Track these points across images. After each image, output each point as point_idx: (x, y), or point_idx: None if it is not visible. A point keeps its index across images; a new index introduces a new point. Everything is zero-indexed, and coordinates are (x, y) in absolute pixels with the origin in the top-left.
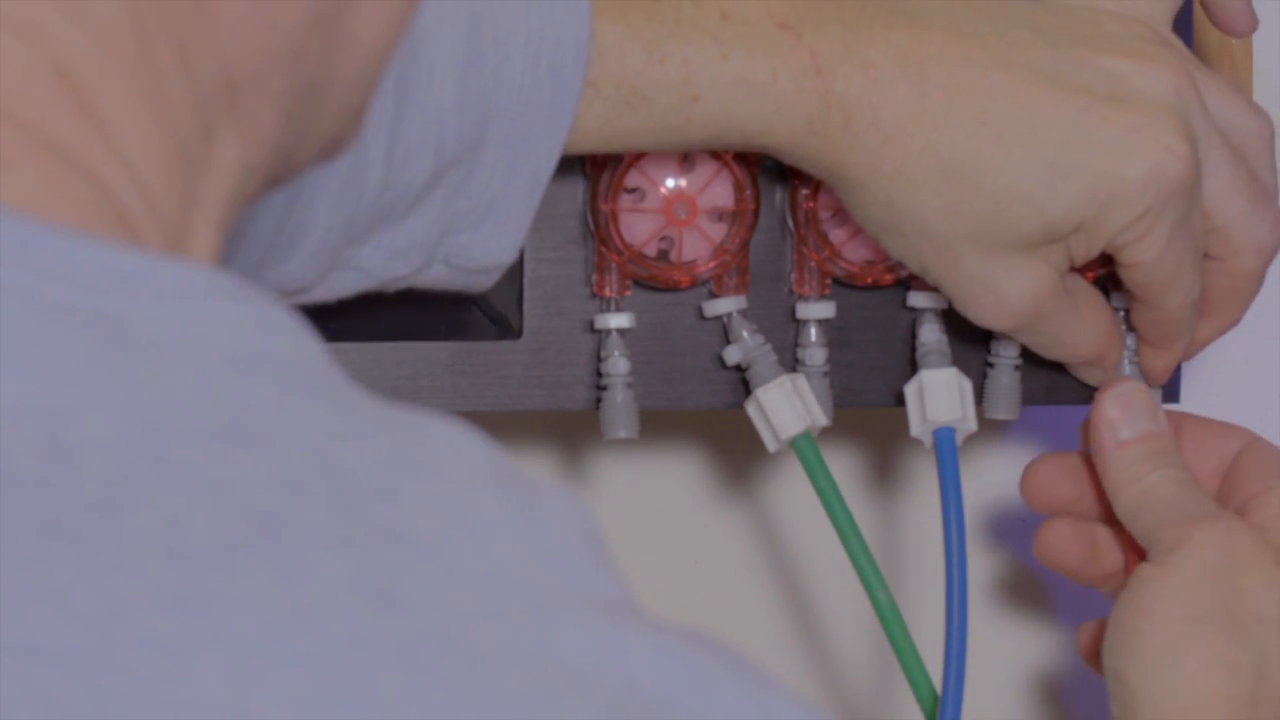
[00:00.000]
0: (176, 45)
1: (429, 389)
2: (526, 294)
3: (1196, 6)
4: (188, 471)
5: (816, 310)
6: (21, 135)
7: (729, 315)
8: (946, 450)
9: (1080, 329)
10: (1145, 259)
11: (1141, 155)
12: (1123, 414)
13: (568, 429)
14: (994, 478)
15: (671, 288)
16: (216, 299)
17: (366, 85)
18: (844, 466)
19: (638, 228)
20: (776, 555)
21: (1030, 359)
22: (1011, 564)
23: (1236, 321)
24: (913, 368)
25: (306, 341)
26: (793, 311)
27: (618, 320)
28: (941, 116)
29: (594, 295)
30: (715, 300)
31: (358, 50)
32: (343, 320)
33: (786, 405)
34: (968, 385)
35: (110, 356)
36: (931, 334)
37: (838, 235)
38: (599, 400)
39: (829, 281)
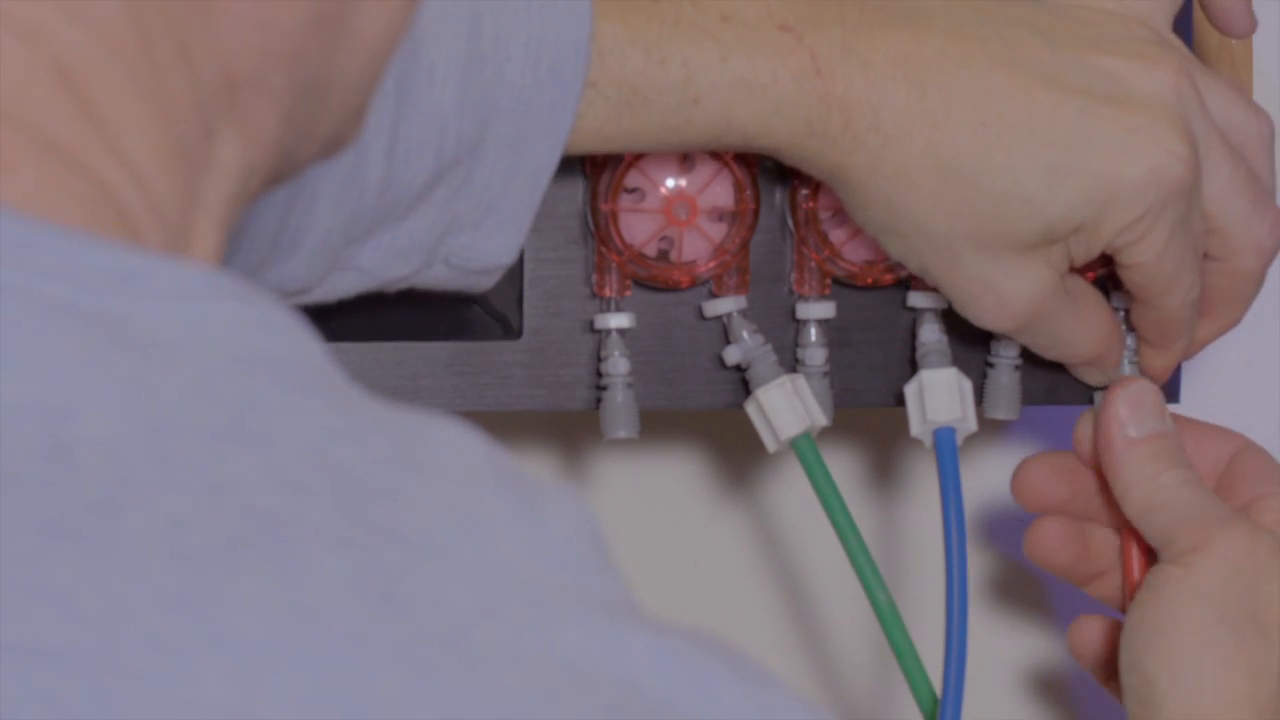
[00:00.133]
0: (177, 44)
1: (429, 389)
2: (526, 294)
3: (1196, 7)
4: (189, 471)
5: (816, 310)
6: (22, 135)
7: (729, 315)
8: (946, 450)
9: (1080, 329)
10: (1145, 260)
11: (1141, 156)
12: (1133, 413)
13: (568, 429)
14: (994, 478)
15: (671, 288)
16: (217, 298)
17: (368, 84)
18: (844, 466)
19: (638, 228)
20: (776, 555)
21: (1030, 359)
22: (1011, 564)
23: (1237, 321)
24: (913, 368)
25: (307, 341)
26: (793, 311)
27: (618, 320)
28: (941, 117)
29: (594, 295)
30: (715, 300)
31: (359, 49)
32: (343, 320)
33: (786, 406)
34: (968, 385)
35: (111, 356)
36: (931, 334)
37: (838, 235)
38: (599, 400)
39: (829, 281)
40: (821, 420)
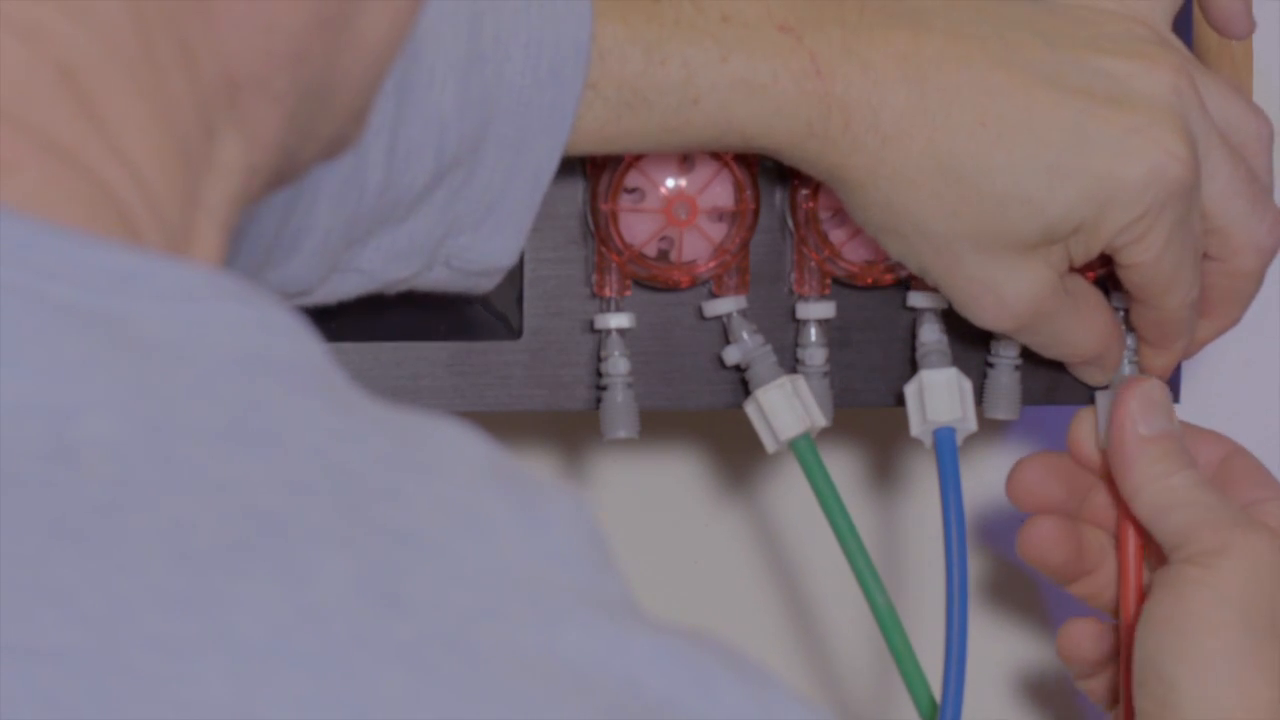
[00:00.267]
0: (178, 45)
1: (429, 389)
2: (526, 294)
3: (1196, 7)
4: (191, 472)
5: (816, 310)
6: (23, 136)
7: (729, 315)
8: (946, 450)
9: (1080, 329)
10: (1144, 259)
11: (1141, 156)
12: (1146, 411)
13: (568, 429)
14: (994, 478)
15: (671, 288)
16: (218, 299)
17: (370, 85)
18: (844, 466)
19: (638, 228)
20: (776, 556)
21: (1030, 359)
22: (1011, 564)
23: (1236, 321)
24: (913, 368)
25: (308, 342)
26: (793, 311)
27: (618, 320)
28: (941, 118)
29: (594, 295)
30: (715, 300)
31: (362, 51)
32: (343, 320)
33: (786, 406)
34: (968, 385)
35: (113, 357)
36: (931, 334)
37: (838, 235)
38: (599, 400)
39: (829, 281)
40: (821, 421)
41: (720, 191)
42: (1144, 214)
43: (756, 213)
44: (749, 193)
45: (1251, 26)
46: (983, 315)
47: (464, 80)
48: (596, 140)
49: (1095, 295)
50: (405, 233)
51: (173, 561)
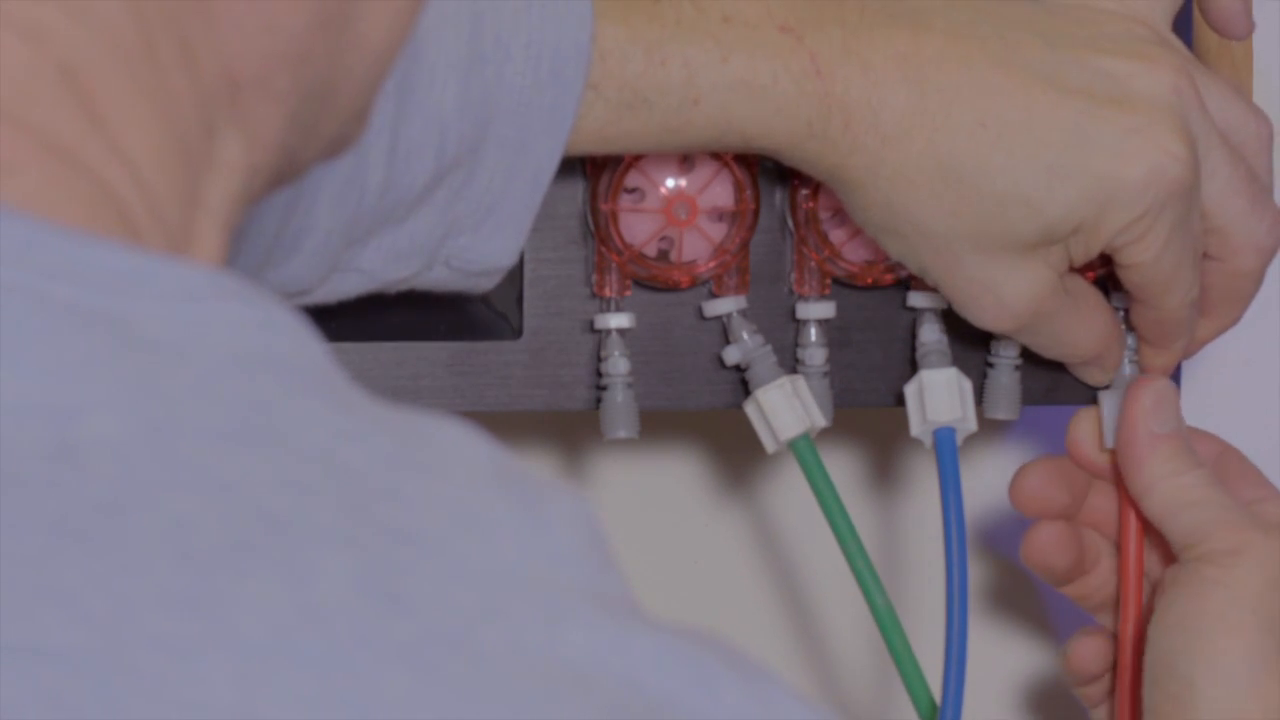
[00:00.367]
0: (179, 44)
1: (429, 389)
2: (526, 294)
3: (1196, 8)
4: (194, 471)
5: (816, 310)
6: (25, 136)
7: (729, 315)
8: (946, 450)
9: (1080, 329)
10: (1144, 259)
11: (1140, 157)
12: (1158, 409)
13: (568, 429)
14: (994, 478)
15: (671, 288)
16: (219, 299)
17: (372, 85)
18: (843, 466)
19: (638, 228)
20: (776, 556)
21: (1030, 359)
22: (1011, 564)
23: (1236, 320)
24: (913, 368)
25: (309, 342)
26: (793, 311)
27: (618, 320)
28: (941, 118)
29: (594, 295)
30: (715, 300)
31: (364, 52)
32: (343, 320)
33: (786, 407)
34: (968, 385)
35: (115, 356)
36: (931, 334)
37: (838, 235)
38: (599, 400)
39: (829, 281)
40: (821, 421)
41: (720, 191)
42: (1144, 214)
43: (756, 213)
44: (749, 193)
45: (1251, 27)
46: (982, 315)
47: (465, 81)
48: (597, 141)
49: (1095, 295)
50: (405, 233)
51: (175, 561)
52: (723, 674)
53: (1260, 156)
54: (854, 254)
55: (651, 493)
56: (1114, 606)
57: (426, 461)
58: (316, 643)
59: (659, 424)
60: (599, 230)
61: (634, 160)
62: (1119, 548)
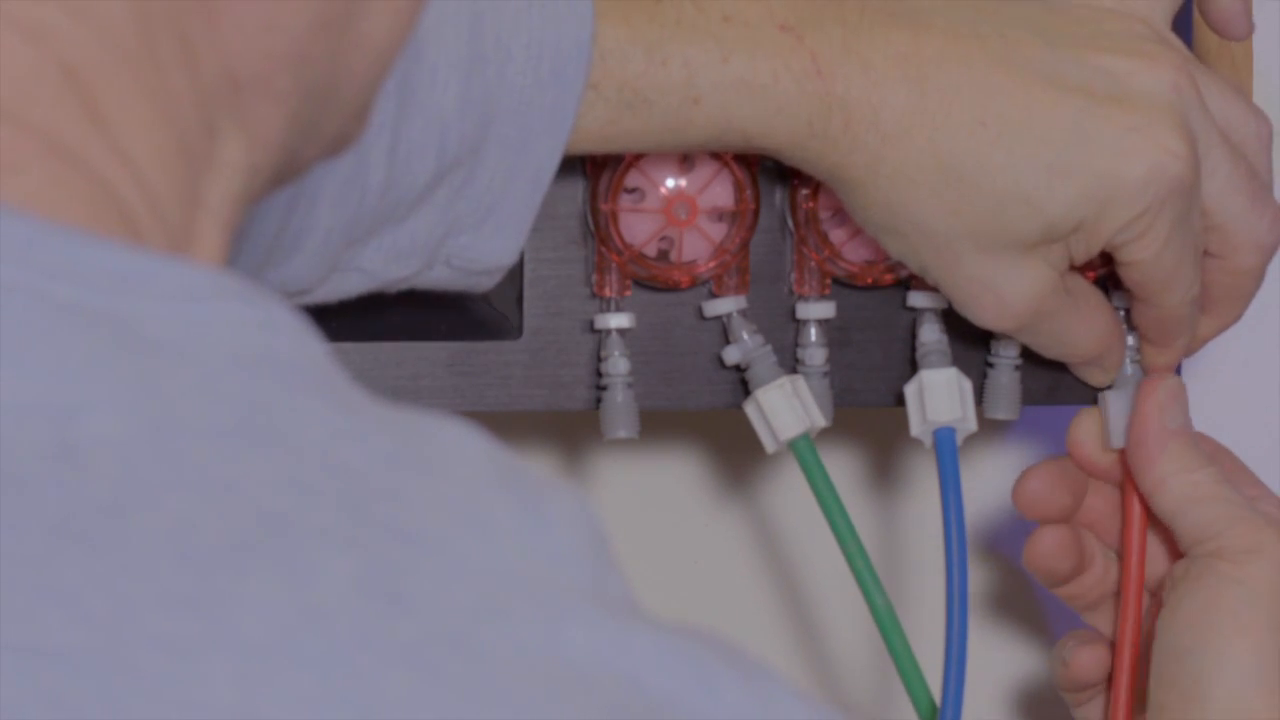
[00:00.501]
0: (180, 44)
1: (429, 389)
2: (526, 294)
3: (1195, 8)
4: (195, 472)
5: (816, 310)
6: (27, 136)
7: (729, 315)
8: (946, 450)
9: (1081, 328)
10: (1144, 257)
11: (1140, 155)
12: (1171, 406)
13: (568, 429)
14: (994, 478)
15: (671, 288)
16: (221, 299)
17: (373, 85)
18: (843, 467)
19: (638, 228)
20: (776, 556)
21: (1030, 359)
22: (1011, 565)
23: (1237, 318)
24: (913, 368)
25: (310, 342)
26: (793, 311)
27: (618, 320)
28: (941, 117)
29: (594, 295)
30: (715, 300)
31: (365, 51)
32: (343, 320)
33: (786, 407)
34: (968, 385)
35: (117, 356)
36: (931, 334)
37: (838, 235)
38: (599, 400)
39: (829, 281)
40: (821, 421)
41: (720, 191)
42: (1144, 212)
43: (756, 213)
44: (749, 193)
45: (1250, 28)
46: (983, 315)
47: (465, 80)
48: (597, 140)
49: (1096, 295)
50: (406, 232)
51: (176, 561)
52: (723, 672)
53: (1260, 155)
54: (854, 254)
55: (651, 493)
56: (1105, 606)
57: (427, 461)
58: (317, 643)
59: (659, 424)
60: (599, 230)
61: (634, 160)
62: (1122, 548)
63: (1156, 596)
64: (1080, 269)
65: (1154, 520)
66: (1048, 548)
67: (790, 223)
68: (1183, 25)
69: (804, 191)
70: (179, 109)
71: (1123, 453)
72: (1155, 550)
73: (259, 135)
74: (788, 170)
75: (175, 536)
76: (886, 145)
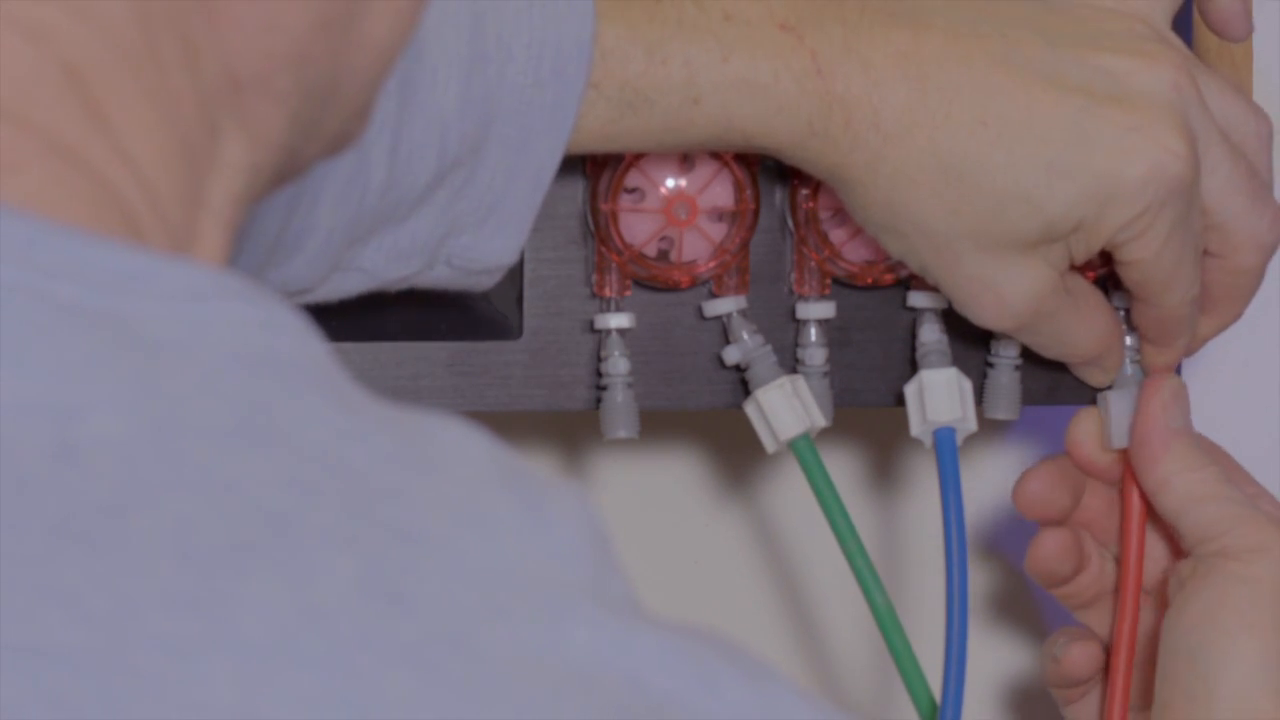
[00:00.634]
0: (181, 43)
1: (429, 389)
2: (526, 294)
3: (1195, 8)
4: (196, 471)
5: (816, 310)
6: (28, 135)
7: (729, 315)
8: (946, 450)
9: (1080, 328)
10: (1144, 256)
11: (1140, 154)
12: (1174, 405)
13: (568, 429)
14: (994, 478)
15: (671, 288)
16: (223, 299)
17: (374, 84)
18: (844, 466)
19: (638, 228)
20: (776, 556)
21: (1030, 359)
22: (1011, 565)
23: (1237, 317)
24: (913, 368)
25: (311, 341)
26: (793, 311)
27: (618, 320)
28: (941, 116)
29: (594, 295)
30: (715, 300)
31: (367, 51)
32: (343, 320)
33: (786, 407)
34: (968, 385)
35: (118, 356)
36: (931, 334)
37: (838, 235)
38: (599, 400)
39: (829, 281)
40: (821, 421)
41: (720, 191)
42: (1144, 211)
43: (756, 213)
44: (749, 193)
45: (1249, 28)
46: (983, 314)
47: (466, 80)
48: (598, 140)
49: (1095, 295)
50: (407, 232)
51: (177, 561)
52: (725, 672)
53: (1260, 154)
54: (854, 254)
55: (651, 493)
56: (1099, 605)
57: (429, 461)
58: (318, 643)
59: (659, 424)
60: (599, 230)
61: (634, 160)
62: (1121, 547)
63: (1152, 595)
64: (1080, 269)
65: (1152, 519)
66: (1050, 552)
67: (790, 223)
68: (1183, 25)
69: (804, 191)
70: (180, 109)
71: (1123, 452)
72: (1152, 549)
73: (260, 135)
74: (788, 170)
75: (176, 536)
76: (887, 144)
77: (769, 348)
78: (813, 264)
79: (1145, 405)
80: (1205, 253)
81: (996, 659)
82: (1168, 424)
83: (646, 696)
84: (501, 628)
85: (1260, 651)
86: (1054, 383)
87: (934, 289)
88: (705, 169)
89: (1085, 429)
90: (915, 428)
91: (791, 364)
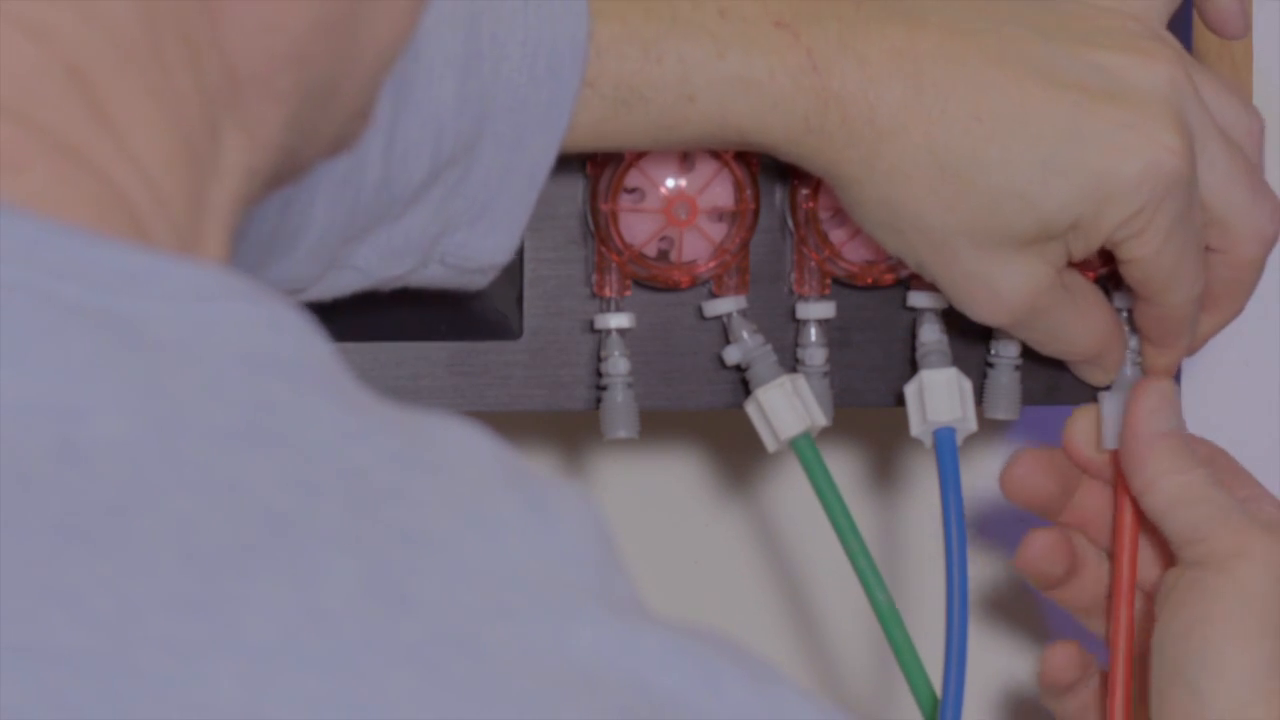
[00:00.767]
0: (184, 44)
1: (429, 389)
2: (526, 294)
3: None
4: (200, 472)
5: (816, 310)
6: (33, 135)
7: (729, 315)
8: (946, 450)
9: (1078, 325)
10: (1144, 254)
11: (1136, 151)
12: (1162, 408)
13: (568, 429)
14: (994, 478)
15: (671, 288)
16: (227, 299)
17: (373, 85)
18: (844, 466)
19: (638, 228)
20: (776, 555)
21: (1030, 358)
22: (1011, 564)
23: (1239, 312)
24: (913, 368)
25: (315, 342)
26: (793, 311)
27: (618, 320)
28: (937, 113)
29: (594, 295)
30: (715, 300)
31: (367, 53)
32: (343, 320)
33: (786, 406)
34: (968, 385)
35: (122, 357)
36: (931, 334)
37: (838, 235)
38: (599, 400)
39: (829, 281)
40: (821, 420)
41: (720, 191)
42: (1142, 209)
43: (756, 213)
44: (749, 192)
45: (1247, 26)
46: (978, 310)
47: (462, 78)
48: (593, 138)
49: (1094, 292)
50: (401, 230)
51: (181, 562)
52: (730, 673)
53: (1255, 151)
54: (854, 254)
55: (651, 493)
56: (1102, 610)
57: (433, 461)
58: (323, 643)
59: (659, 424)
60: (599, 230)
61: (634, 160)
62: (1113, 551)
63: (1151, 598)
64: (1081, 268)
65: (1147, 522)
66: (1037, 550)
67: (790, 223)
68: (1182, 25)
69: (804, 191)
70: (184, 110)
71: (1115, 454)
72: (1149, 552)
73: (259, 136)
74: (788, 170)
75: (179, 537)
76: (882, 141)
77: (769, 347)
78: (813, 264)
79: (1131, 409)
80: (1206, 248)
81: (996, 657)
82: (1155, 427)
83: (650, 697)
84: (505, 628)
85: (1249, 660)
86: (1054, 382)
87: (934, 289)
88: (705, 169)
89: (1082, 426)
90: (915, 428)
91: (791, 364)
